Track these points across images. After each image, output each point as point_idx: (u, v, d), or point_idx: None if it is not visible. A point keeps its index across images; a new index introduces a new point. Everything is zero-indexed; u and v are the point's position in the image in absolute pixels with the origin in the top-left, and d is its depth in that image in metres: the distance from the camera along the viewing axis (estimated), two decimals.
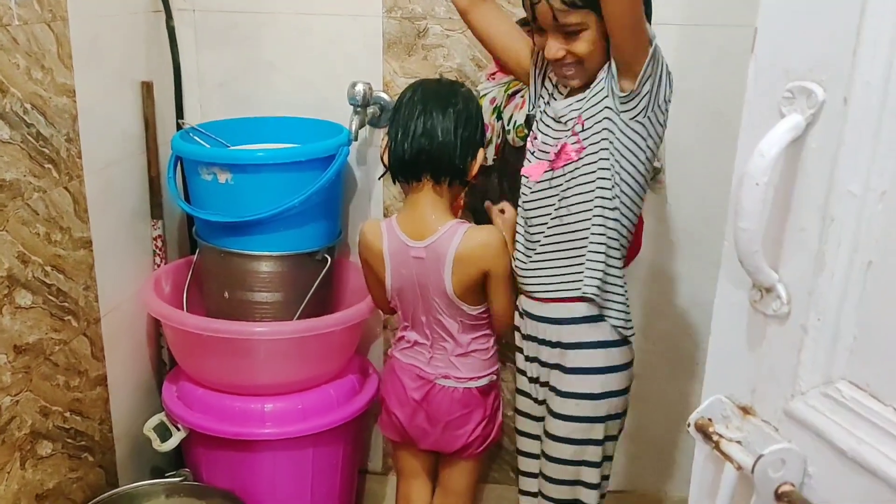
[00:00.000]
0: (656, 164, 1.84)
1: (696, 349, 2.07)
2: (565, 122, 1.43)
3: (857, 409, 0.62)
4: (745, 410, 0.72)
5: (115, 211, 1.82)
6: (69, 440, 1.70)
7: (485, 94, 1.87)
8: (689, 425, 0.75)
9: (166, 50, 1.96)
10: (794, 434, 0.67)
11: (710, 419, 0.74)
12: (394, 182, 1.64)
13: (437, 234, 1.55)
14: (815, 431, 0.65)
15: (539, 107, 1.52)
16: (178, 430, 1.85)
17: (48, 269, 1.58)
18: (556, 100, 1.48)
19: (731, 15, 1.79)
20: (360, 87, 1.88)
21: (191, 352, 1.86)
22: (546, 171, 1.45)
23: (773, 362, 0.69)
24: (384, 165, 1.63)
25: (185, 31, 1.98)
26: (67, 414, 1.69)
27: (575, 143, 1.41)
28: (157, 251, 1.98)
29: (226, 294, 1.84)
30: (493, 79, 1.89)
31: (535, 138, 1.49)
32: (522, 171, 1.50)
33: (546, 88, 1.51)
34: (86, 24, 1.64)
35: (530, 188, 1.48)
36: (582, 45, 1.33)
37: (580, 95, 1.41)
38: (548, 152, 1.46)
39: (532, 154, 1.50)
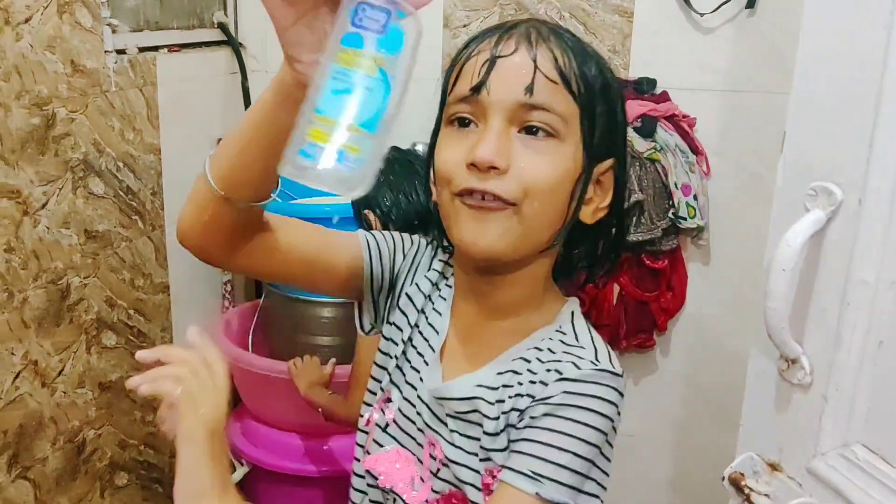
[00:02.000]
0: (700, 222, 1.94)
1: (738, 403, 2.13)
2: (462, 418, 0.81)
3: (869, 469, 0.71)
4: (773, 467, 0.81)
5: (190, 258, 1.95)
6: (143, 472, 1.83)
7: None
8: (723, 479, 0.84)
9: (241, 108, 2.11)
10: (815, 490, 0.76)
11: (742, 474, 0.83)
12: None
13: None
14: (834, 488, 0.74)
15: (396, 350, 0.90)
16: (242, 464, 1.96)
17: (131, 311, 1.72)
18: (429, 348, 0.87)
19: (771, 82, 1.88)
20: (420, 147, 2.00)
21: (255, 391, 1.98)
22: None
23: (797, 425, 0.78)
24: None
25: (258, 91, 2.13)
26: (142, 447, 1.82)
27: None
28: (227, 295, 2.12)
29: (291, 337, 1.96)
30: None
31: (390, 417, 0.89)
32: (365, 465, 0.90)
33: (410, 303, 0.90)
34: (172, 87, 1.80)
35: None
36: (542, 166, 0.75)
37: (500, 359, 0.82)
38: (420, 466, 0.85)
39: (378, 442, 0.89)
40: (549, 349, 0.80)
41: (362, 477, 0.92)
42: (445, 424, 0.82)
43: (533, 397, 0.76)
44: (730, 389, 2.17)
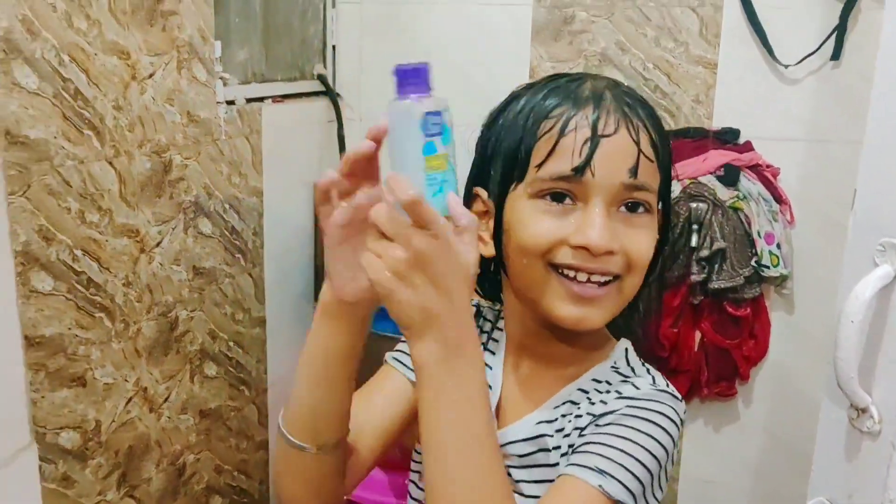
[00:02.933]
0: (783, 270, 1.95)
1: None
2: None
3: None
4: None
5: (285, 294, 2.08)
6: (235, 497, 1.93)
7: None
8: None
9: (336, 154, 2.23)
10: None
11: None
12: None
13: None
14: None
15: None
16: None
17: (231, 344, 1.84)
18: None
19: (856, 132, 1.88)
20: None
21: None
22: None
23: (866, 472, 0.81)
24: None
25: (353, 138, 2.26)
26: (235, 473, 1.92)
27: None
28: None
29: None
30: None
31: None
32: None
33: None
34: (274, 135, 1.92)
35: None
36: (643, 242, 0.80)
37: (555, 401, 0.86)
38: None
39: None
40: (606, 380, 0.84)
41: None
42: (511, 476, 0.83)
43: (594, 415, 0.79)
44: (809, 438, 2.14)
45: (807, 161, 1.98)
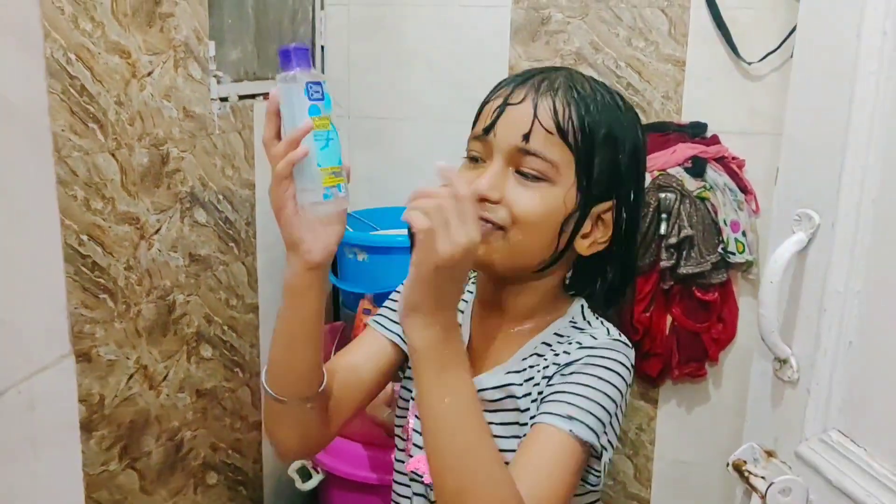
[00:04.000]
0: (748, 257, 2.06)
1: None
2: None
3: (842, 451, 0.85)
4: (769, 454, 0.95)
5: (277, 282, 2.18)
6: (230, 474, 2.03)
7: None
8: (727, 465, 0.98)
9: None
10: (801, 471, 0.89)
11: (744, 461, 0.97)
12: None
13: None
14: (814, 468, 0.87)
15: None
16: (318, 472, 2.14)
17: (225, 328, 1.94)
18: None
19: None
20: None
21: None
22: None
23: (787, 416, 0.92)
24: None
25: (341, 134, 2.34)
26: (230, 451, 2.02)
27: None
28: None
29: None
30: None
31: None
32: (409, 467, 1.02)
33: None
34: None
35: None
36: (528, 202, 0.89)
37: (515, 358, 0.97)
38: None
39: (418, 445, 1.00)
40: (566, 335, 0.96)
41: (405, 479, 1.04)
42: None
43: (559, 365, 0.91)
44: None
45: (772, 153, 2.09)
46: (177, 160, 1.70)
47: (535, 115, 0.88)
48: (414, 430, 1.02)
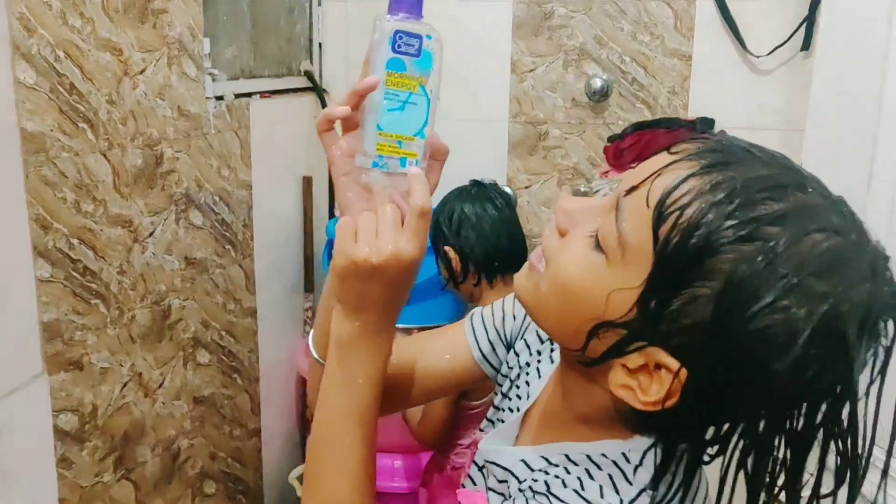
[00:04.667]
0: None
1: None
2: None
3: None
4: None
5: (276, 285, 2.13)
6: (229, 483, 1.98)
7: (598, 190, 2.09)
8: None
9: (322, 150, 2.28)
10: None
11: None
12: (490, 281, 1.74)
13: None
14: None
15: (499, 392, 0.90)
16: None
17: (223, 332, 1.89)
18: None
19: None
20: (509, 190, 2.14)
21: None
22: None
23: None
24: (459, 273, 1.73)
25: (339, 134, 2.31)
26: (229, 460, 1.97)
27: None
28: (308, 320, 2.27)
29: None
30: (606, 176, 2.12)
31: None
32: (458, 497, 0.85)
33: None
34: (263, 130, 1.98)
35: None
36: (567, 257, 0.67)
37: None
38: None
39: (471, 478, 0.86)
40: (587, 468, 0.68)
41: None
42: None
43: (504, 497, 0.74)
44: None
45: (780, 149, 2.03)
46: (171, 160, 1.65)
47: (658, 171, 0.62)
48: (475, 461, 0.87)
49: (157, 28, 1.56)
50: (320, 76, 2.28)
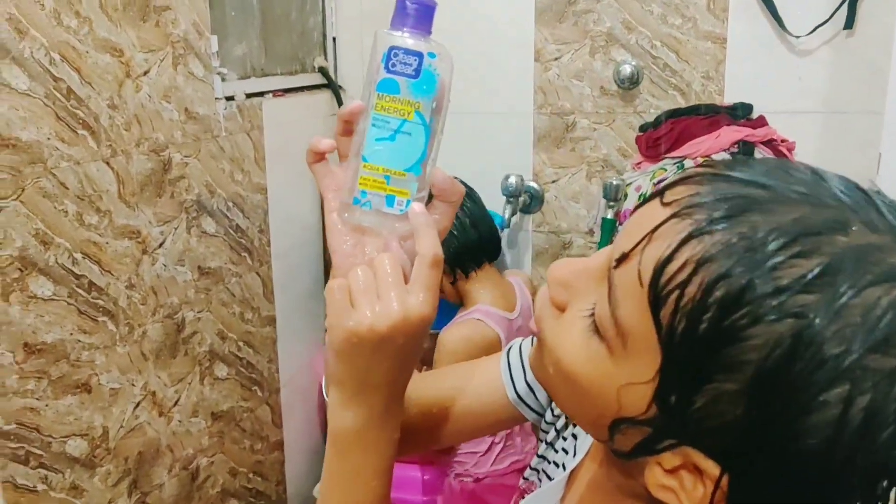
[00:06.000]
0: None
1: None
2: None
3: None
4: None
5: (294, 292, 2.04)
6: (251, 499, 1.90)
7: (630, 183, 1.99)
8: None
9: None
10: None
11: None
12: (465, 273, 1.72)
13: (519, 299, 1.67)
14: None
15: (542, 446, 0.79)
16: None
17: (241, 344, 1.80)
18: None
19: (873, 102, 1.83)
20: (512, 179, 2.04)
21: None
22: None
23: None
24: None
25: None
26: (251, 475, 1.89)
27: None
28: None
29: None
30: (639, 168, 2.01)
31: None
32: None
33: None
34: (276, 130, 1.89)
35: None
36: (563, 343, 0.54)
37: None
38: None
39: None
40: None
41: None
42: None
43: None
44: None
45: (823, 134, 1.93)
46: (180, 166, 1.56)
47: (649, 237, 0.48)
48: None
49: (159, 26, 1.47)
50: (335, 72, 2.19)
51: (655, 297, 0.46)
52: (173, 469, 1.59)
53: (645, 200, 0.51)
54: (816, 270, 0.42)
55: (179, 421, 1.60)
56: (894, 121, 0.77)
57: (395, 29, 0.61)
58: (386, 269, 0.59)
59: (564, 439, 0.74)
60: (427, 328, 0.60)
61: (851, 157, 1.88)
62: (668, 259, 0.45)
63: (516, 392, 0.79)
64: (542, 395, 0.78)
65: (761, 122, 1.93)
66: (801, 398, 0.42)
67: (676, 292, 0.45)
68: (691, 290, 0.44)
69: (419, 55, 0.61)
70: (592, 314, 0.52)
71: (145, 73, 1.45)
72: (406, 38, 0.61)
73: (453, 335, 1.60)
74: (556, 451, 0.75)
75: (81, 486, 1.34)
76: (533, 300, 1.77)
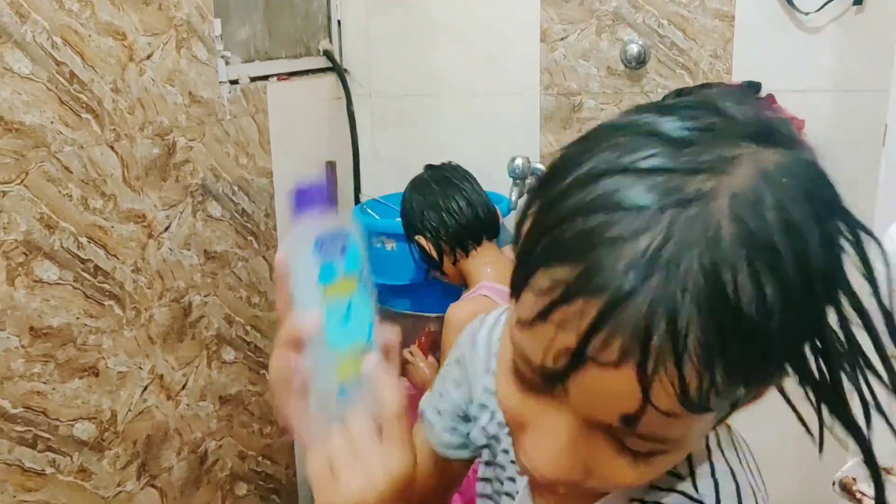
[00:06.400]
0: None
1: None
2: None
3: None
4: (888, 471, 0.78)
5: None
6: (261, 482, 1.91)
7: None
8: (833, 484, 0.82)
9: (346, 132, 2.18)
10: None
11: (853, 478, 0.81)
12: (465, 252, 1.70)
13: None
14: None
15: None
16: None
17: (248, 328, 1.81)
18: None
19: (884, 80, 1.80)
20: (518, 161, 2.03)
21: None
22: None
23: None
24: (435, 249, 1.69)
25: (363, 114, 2.21)
26: (260, 458, 1.89)
27: None
28: None
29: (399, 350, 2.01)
30: None
31: None
32: None
33: None
34: (281, 113, 1.88)
35: None
36: (644, 478, 0.51)
37: None
38: None
39: None
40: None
41: None
42: None
43: None
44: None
45: (833, 112, 1.91)
46: (185, 150, 1.56)
47: (648, 399, 0.44)
48: None
49: (162, 10, 1.47)
50: (340, 55, 2.18)
51: (692, 405, 0.44)
52: (182, 452, 1.59)
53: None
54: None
55: (187, 404, 1.61)
56: None
57: (300, 216, 0.61)
58: (362, 432, 0.58)
59: (506, 451, 0.71)
60: (411, 480, 0.59)
61: (861, 135, 1.86)
62: (688, 384, 0.43)
63: (444, 447, 0.78)
64: (463, 429, 0.77)
65: (770, 101, 1.91)
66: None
67: (715, 387, 0.44)
68: (719, 379, 0.44)
69: (342, 235, 0.61)
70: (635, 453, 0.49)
71: (148, 56, 1.45)
72: (325, 223, 0.60)
73: (461, 311, 1.59)
74: (503, 467, 0.72)
75: (90, 469, 1.35)
76: None
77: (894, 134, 0.77)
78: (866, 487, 0.79)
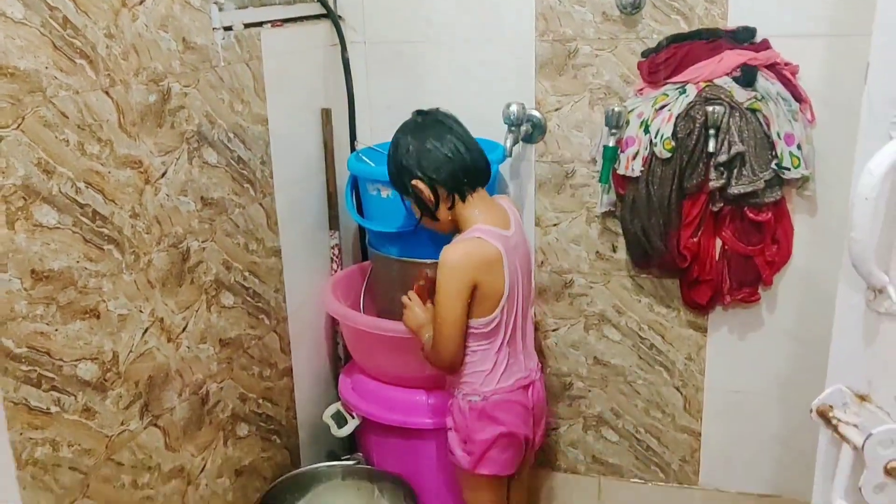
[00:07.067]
0: (804, 171, 1.89)
1: None
2: None
3: None
4: (862, 398, 0.81)
5: (299, 223, 2.06)
6: (262, 424, 1.95)
7: (632, 109, 1.98)
8: (810, 411, 0.85)
9: (341, 79, 2.18)
10: None
11: (830, 406, 0.84)
12: (462, 197, 1.70)
13: (512, 218, 1.72)
14: None
15: None
16: (353, 418, 2.06)
17: (246, 273, 1.83)
18: None
19: None
20: (514, 108, 2.04)
21: (363, 348, 2.07)
22: None
23: (886, 356, 0.78)
24: (426, 200, 1.71)
25: (358, 62, 2.21)
26: (260, 400, 1.93)
27: None
28: (335, 258, 2.21)
29: (396, 295, 2.04)
30: (641, 94, 2.00)
31: None
32: None
33: None
34: (276, 60, 1.88)
35: None
36: None
37: None
38: None
39: None
40: None
41: None
42: None
43: None
44: None
45: (827, 57, 1.91)
46: (179, 96, 1.56)
47: None
48: None
49: None
50: (335, 2, 2.17)
51: None
52: (183, 394, 1.63)
53: None
54: None
55: (188, 347, 1.64)
56: (882, 30, 0.77)
57: None
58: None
59: None
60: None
61: (854, 80, 1.86)
62: None
63: None
64: None
65: (764, 45, 1.91)
66: None
67: None
68: None
69: None
70: None
71: (141, 2, 1.44)
72: None
73: (454, 252, 1.62)
74: None
75: (94, 409, 1.38)
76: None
77: (875, 71, 0.78)
78: (841, 414, 0.82)
